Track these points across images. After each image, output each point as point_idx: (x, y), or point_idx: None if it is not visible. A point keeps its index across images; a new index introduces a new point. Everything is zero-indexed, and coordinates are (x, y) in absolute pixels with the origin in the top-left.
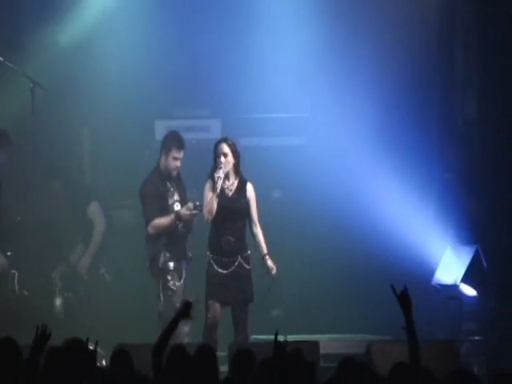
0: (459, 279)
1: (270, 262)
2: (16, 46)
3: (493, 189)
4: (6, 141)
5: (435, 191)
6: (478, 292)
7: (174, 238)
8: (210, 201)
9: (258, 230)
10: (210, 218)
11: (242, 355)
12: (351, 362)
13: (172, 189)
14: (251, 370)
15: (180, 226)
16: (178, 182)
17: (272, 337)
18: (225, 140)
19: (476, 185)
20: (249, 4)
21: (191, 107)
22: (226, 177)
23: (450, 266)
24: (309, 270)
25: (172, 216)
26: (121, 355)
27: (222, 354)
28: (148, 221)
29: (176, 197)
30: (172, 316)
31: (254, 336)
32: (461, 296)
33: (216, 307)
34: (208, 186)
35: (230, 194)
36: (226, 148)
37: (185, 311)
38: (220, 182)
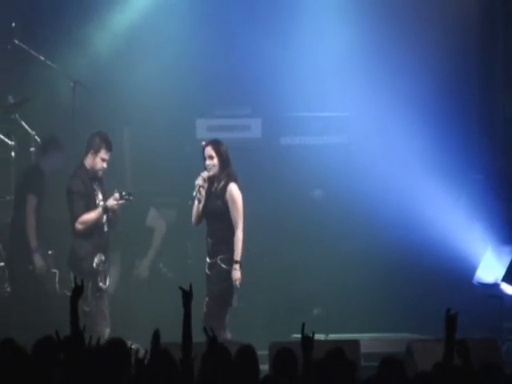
0: (500, 278)
1: (234, 273)
2: (56, 46)
3: None
4: (56, 147)
5: (474, 191)
6: None
7: (104, 238)
8: (195, 208)
9: (238, 233)
10: (194, 223)
11: (283, 354)
12: (392, 360)
13: (96, 188)
14: (292, 368)
15: (106, 225)
16: (101, 181)
17: (314, 336)
18: (211, 142)
19: None
20: (290, 3)
21: (232, 106)
22: (214, 179)
23: (491, 265)
24: (349, 269)
25: (99, 209)
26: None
27: (263, 352)
28: (76, 217)
29: (100, 196)
30: (100, 315)
31: (295, 335)
32: (502, 295)
33: None
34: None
35: (212, 196)
36: (211, 150)
37: (187, 296)
38: (198, 189)
